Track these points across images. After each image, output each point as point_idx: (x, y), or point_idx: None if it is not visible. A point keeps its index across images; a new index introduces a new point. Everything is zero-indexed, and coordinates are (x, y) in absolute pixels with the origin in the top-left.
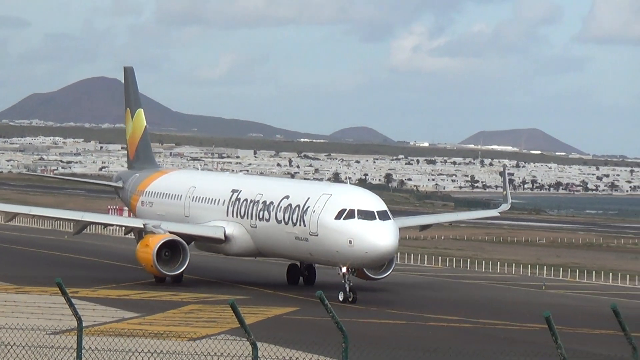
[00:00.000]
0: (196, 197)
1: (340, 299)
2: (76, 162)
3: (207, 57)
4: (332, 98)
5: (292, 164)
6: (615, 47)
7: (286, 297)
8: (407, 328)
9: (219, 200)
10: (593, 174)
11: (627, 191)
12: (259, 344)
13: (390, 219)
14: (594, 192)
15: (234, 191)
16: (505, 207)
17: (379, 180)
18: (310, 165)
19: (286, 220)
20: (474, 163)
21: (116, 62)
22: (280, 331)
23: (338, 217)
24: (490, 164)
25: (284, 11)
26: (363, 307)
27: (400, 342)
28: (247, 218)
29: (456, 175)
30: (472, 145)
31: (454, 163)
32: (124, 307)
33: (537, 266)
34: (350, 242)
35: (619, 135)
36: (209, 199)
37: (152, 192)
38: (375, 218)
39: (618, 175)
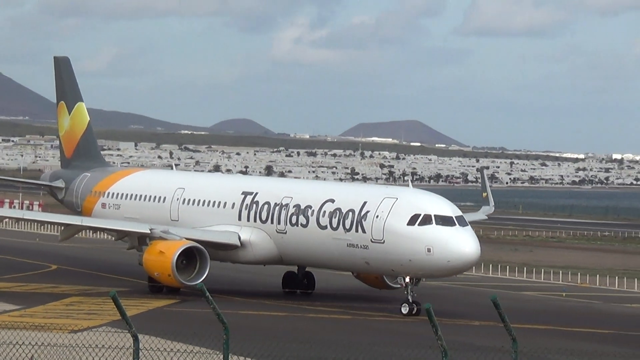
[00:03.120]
0: (188, 199)
1: (404, 312)
2: None
3: (87, 48)
4: (212, 90)
5: (172, 156)
6: (495, 39)
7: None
8: (287, 320)
9: (226, 203)
10: (473, 166)
11: (507, 183)
12: (140, 336)
13: (468, 224)
14: (474, 184)
15: (246, 193)
16: (488, 209)
17: (260, 172)
18: (191, 158)
19: (334, 225)
20: (354, 155)
21: None
22: (162, 323)
23: (411, 222)
24: (371, 156)
25: (164, 3)
26: (244, 299)
27: (280, 333)
28: (272, 223)
29: (337, 168)
30: (352, 138)
31: (335, 155)
32: (5, 299)
33: None
34: (429, 250)
35: (499, 127)
36: (210, 201)
37: (117, 194)
38: (455, 224)
39: (498, 167)
